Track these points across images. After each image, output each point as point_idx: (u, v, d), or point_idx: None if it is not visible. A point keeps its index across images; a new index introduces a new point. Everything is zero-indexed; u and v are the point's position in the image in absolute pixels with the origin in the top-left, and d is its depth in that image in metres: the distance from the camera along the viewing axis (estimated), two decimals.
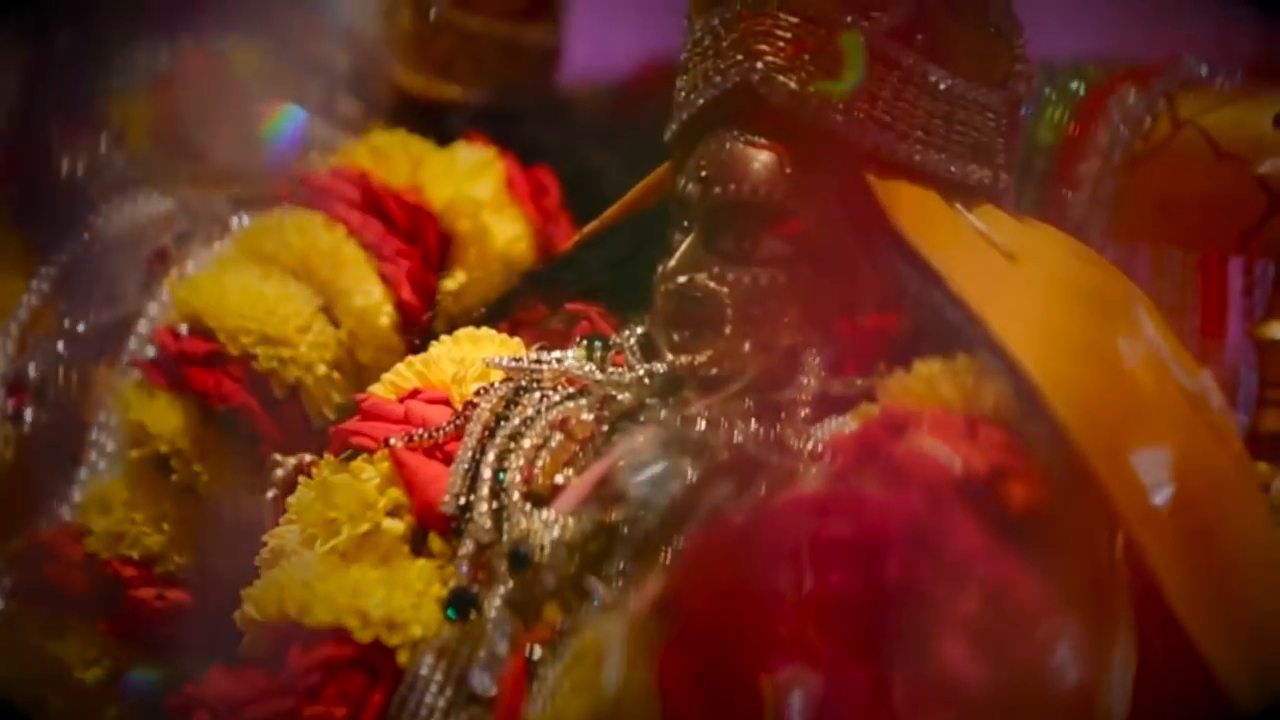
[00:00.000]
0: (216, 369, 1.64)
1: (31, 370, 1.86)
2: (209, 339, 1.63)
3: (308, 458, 1.55)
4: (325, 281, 1.70)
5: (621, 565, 1.28)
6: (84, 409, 1.84)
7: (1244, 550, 1.27)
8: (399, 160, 1.78)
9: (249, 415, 1.61)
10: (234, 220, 1.89)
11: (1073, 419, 1.22)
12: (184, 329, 1.65)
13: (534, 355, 1.47)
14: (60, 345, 1.86)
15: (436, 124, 1.90)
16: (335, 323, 1.71)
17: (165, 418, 1.61)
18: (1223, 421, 1.31)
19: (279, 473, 1.54)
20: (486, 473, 1.36)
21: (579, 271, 1.55)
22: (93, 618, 1.65)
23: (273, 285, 1.69)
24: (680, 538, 1.27)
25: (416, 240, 1.75)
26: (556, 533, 1.29)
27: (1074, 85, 1.80)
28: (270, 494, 1.53)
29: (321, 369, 1.65)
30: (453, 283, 1.78)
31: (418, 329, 1.75)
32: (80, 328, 1.87)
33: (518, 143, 1.88)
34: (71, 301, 1.88)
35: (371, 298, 1.70)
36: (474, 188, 1.78)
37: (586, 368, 1.43)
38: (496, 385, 1.44)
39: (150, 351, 1.69)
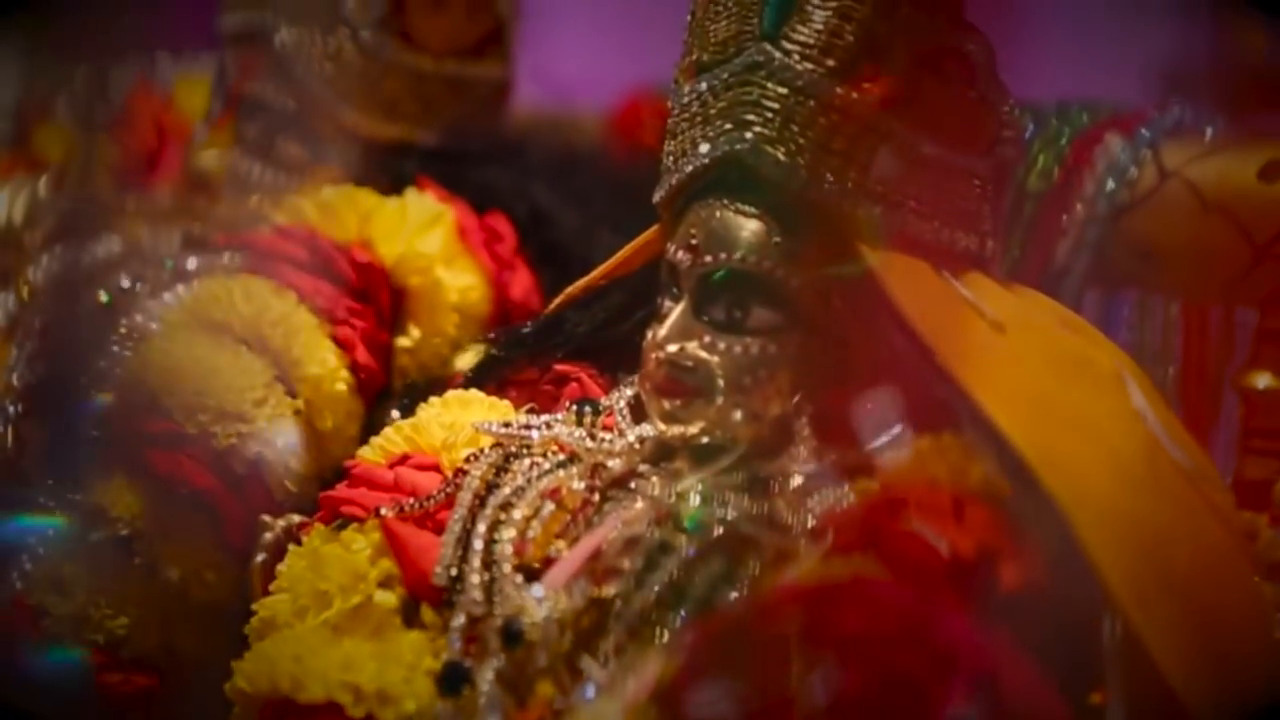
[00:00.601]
0: (174, 449, 1.60)
1: None
2: (165, 417, 1.59)
3: (296, 519, 1.55)
4: (278, 351, 1.73)
5: (615, 643, 1.28)
6: (27, 467, 1.80)
7: (1241, 628, 1.27)
8: (347, 216, 1.81)
9: (210, 496, 1.58)
10: (183, 263, 1.85)
11: (1063, 494, 1.26)
12: (135, 404, 1.62)
13: (523, 420, 1.49)
14: (7, 403, 1.81)
15: (386, 165, 1.91)
16: (291, 392, 1.66)
17: (125, 500, 1.61)
18: (1221, 496, 1.32)
19: (267, 536, 1.56)
20: (478, 544, 1.40)
21: (567, 332, 1.55)
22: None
23: (225, 357, 1.73)
24: (674, 617, 1.27)
25: (369, 299, 1.78)
26: (548, 610, 1.30)
27: (1061, 132, 1.81)
28: (259, 558, 1.53)
29: (281, 441, 1.64)
30: (408, 340, 1.81)
31: (376, 389, 1.73)
32: (26, 382, 1.82)
33: (470, 183, 1.87)
34: (18, 355, 1.84)
35: (327, 365, 1.73)
36: (424, 242, 1.81)
37: (576, 434, 1.44)
38: (486, 451, 1.48)
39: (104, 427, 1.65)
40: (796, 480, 1.41)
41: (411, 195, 1.88)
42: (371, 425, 1.80)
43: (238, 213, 1.96)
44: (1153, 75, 1.91)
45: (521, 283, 1.90)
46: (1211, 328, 1.85)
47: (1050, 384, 1.38)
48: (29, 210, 2.14)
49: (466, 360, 1.82)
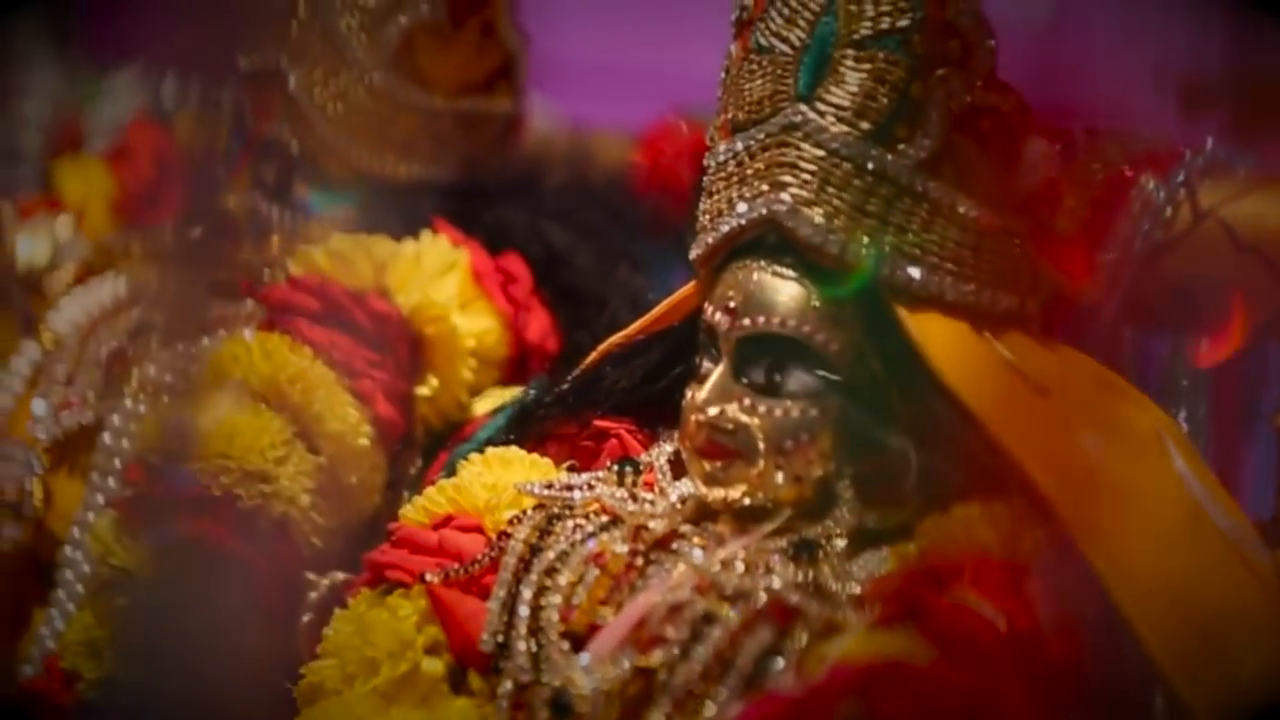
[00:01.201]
0: (199, 512, 1.63)
1: (6, 483, 1.83)
2: (186, 479, 1.65)
3: (340, 577, 1.56)
4: (298, 408, 1.78)
5: (662, 716, 1.29)
6: (51, 522, 1.81)
7: None
8: (361, 264, 1.85)
9: (238, 557, 1.60)
10: (196, 309, 1.87)
11: (1107, 566, 1.29)
12: (156, 460, 1.64)
13: (565, 480, 1.52)
14: (31, 456, 1.83)
15: (400, 205, 1.94)
16: (313, 448, 1.67)
17: (149, 563, 1.60)
18: (1261, 562, 1.32)
19: (313, 595, 1.56)
20: (524, 611, 1.45)
21: (606, 388, 1.57)
22: None
23: (245, 416, 1.76)
24: (720, 690, 1.27)
25: (386, 349, 1.83)
26: (596, 681, 1.31)
27: (1090, 166, 1.80)
28: (305, 618, 1.54)
29: (305, 499, 1.72)
30: (427, 389, 1.86)
31: (398, 439, 1.74)
32: (46, 435, 1.84)
33: (484, 222, 1.88)
34: (39, 405, 1.86)
35: (348, 421, 1.77)
36: (440, 289, 1.85)
37: (618, 495, 1.46)
38: (529, 513, 1.53)
39: (114, 484, 1.66)
40: (839, 544, 1.42)
41: (426, 240, 1.90)
42: (395, 476, 1.81)
43: (256, 257, 1.96)
44: (1171, 95, 1.90)
45: (538, 324, 1.93)
46: (1245, 366, 1.85)
47: (1093, 450, 1.40)
48: (50, 253, 2.15)
49: (485, 405, 1.86)
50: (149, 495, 1.72)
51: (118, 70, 2.71)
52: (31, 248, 2.20)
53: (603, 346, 1.71)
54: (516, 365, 1.95)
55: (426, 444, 1.86)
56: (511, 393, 1.82)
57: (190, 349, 1.91)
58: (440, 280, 1.89)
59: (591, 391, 1.68)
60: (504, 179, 2.07)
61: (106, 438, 1.92)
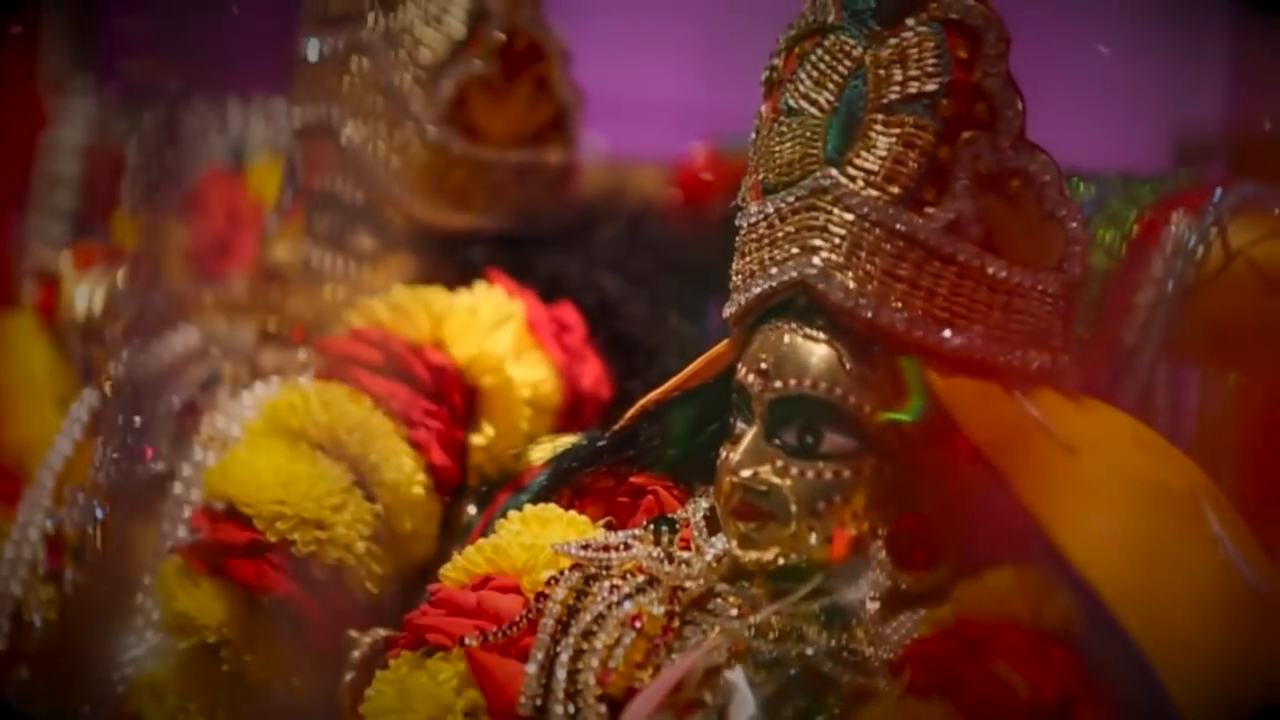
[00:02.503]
0: (257, 558, 1.66)
1: (68, 527, 1.87)
2: (245, 525, 1.66)
3: (382, 634, 1.58)
4: (356, 457, 1.78)
5: None
6: (125, 568, 1.85)
7: None
8: (420, 317, 1.85)
9: (293, 602, 1.62)
10: (261, 359, 1.89)
11: (1143, 634, 1.27)
12: (219, 508, 1.65)
13: (602, 540, 1.49)
14: (95, 503, 1.86)
15: (454, 254, 1.93)
16: (370, 496, 1.70)
17: (210, 609, 1.67)
18: None
19: (355, 654, 1.58)
20: (561, 674, 1.43)
21: (643, 444, 1.56)
22: None
23: (303, 465, 1.76)
24: None
25: (443, 399, 1.83)
26: None
27: (1126, 211, 1.81)
28: (348, 676, 1.56)
29: (361, 546, 1.71)
30: (482, 438, 1.84)
31: (452, 487, 1.76)
32: (113, 481, 1.87)
33: (538, 271, 1.90)
34: (104, 452, 1.90)
35: (404, 470, 1.76)
36: (495, 341, 1.84)
37: (655, 554, 1.46)
38: (566, 573, 1.52)
39: (184, 531, 1.69)
40: (873, 607, 1.43)
41: (481, 292, 1.91)
42: (449, 523, 1.83)
43: (311, 305, 1.99)
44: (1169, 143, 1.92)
45: (591, 372, 1.93)
46: (1276, 403, 1.85)
47: (1126, 513, 1.39)
48: (108, 302, 2.18)
49: (540, 454, 1.85)
50: (210, 541, 1.76)
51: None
52: (89, 296, 2.24)
53: (640, 403, 1.72)
54: (570, 414, 1.92)
55: (482, 492, 1.90)
56: (566, 440, 1.85)
57: (253, 398, 1.95)
58: (496, 332, 1.88)
59: (628, 447, 1.67)
60: (557, 228, 2.09)
61: (177, 487, 1.92)
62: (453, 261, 1.97)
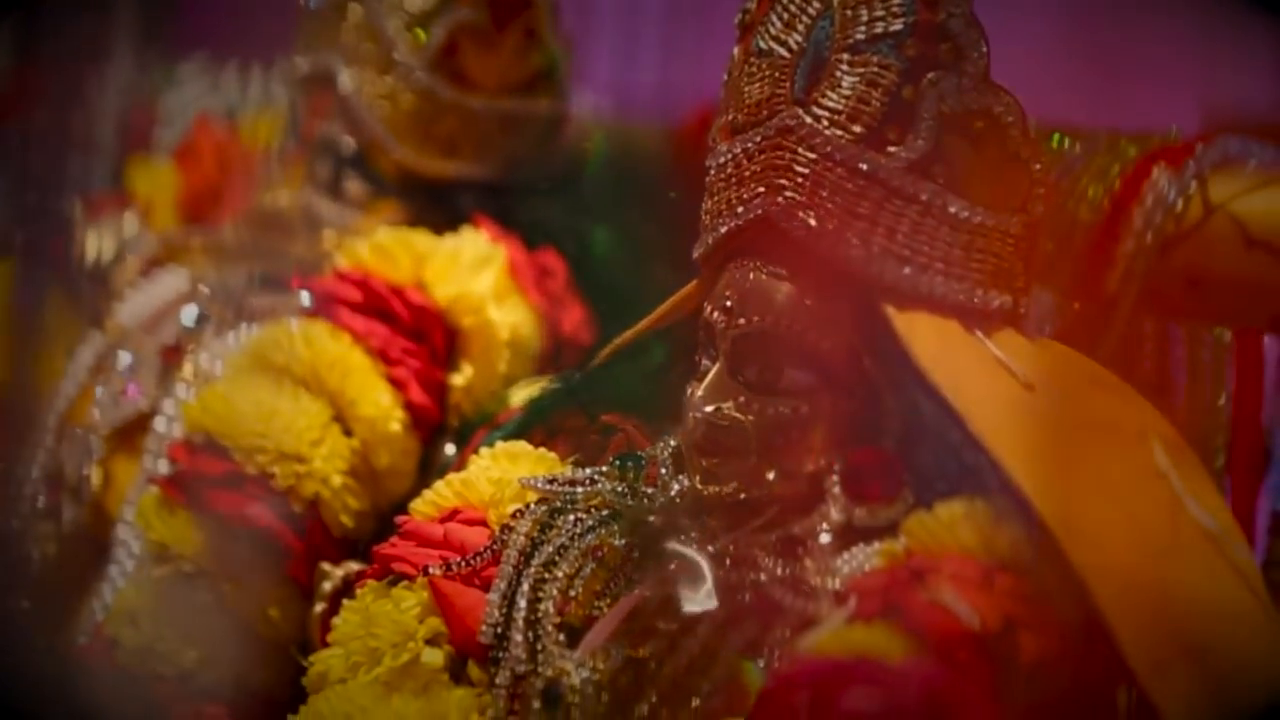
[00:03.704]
0: (235, 489, 1.66)
1: (67, 465, 1.91)
2: (224, 457, 1.68)
3: (355, 568, 1.60)
4: (335, 392, 1.80)
5: (649, 708, 1.32)
6: (109, 503, 1.88)
7: (1264, 693, 1.29)
8: (402, 258, 1.87)
9: (271, 533, 1.64)
10: (250, 301, 1.92)
11: (1083, 562, 1.30)
12: (198, 441, 1.68)
13: (568, 475, 1.52)
14: (91, 441, 1.89)
15: (443, 202, 1.96)
16: (348, 431, 1.72)
17: (187, 537, 1.70)
18: (1244, 562, 1.34)
19: (326, 585, 1.61)
20: (522, 603, 1.43)
21: (614, 383, 1.58)
22: None
23: (284, 399, 1.79)
24: (705, 682, 1.30)
25: (423, 338, 1.85)
26: (586, 673, 1.34)
27: (1110, 164, 1.82)
28: (318, 608, 1.59)
29: (337, 480, 1.74)
30: (461, 378, 1.87)
31: (432, 426, 1.78)
32: (106, 420, 1.90)
33: (523, 219, 1.92)
34: (101, 393, 1.92)
35: (380, 405, 1.78)
36: (477, 282, 1.87)
37: (619, 489, 1.47)
38: (532, 507, 1.53)
39: (165, 465, 1.72)
40: (825, 539, 1.45)
41: (465, 235, 1.93)
42: (428, 461, 1.86)
43: (310, 251, 2.01)
44: (1199, 110, 1.92)
45: (572, 318, 1.95)
46: (1266, 356, 1.86)
47: (1075, 447, 1.41)
48: (117, 247, 2.22)
49: (520, 396, 1.88)
50: (189, 473, 1.79)
51: (188, 62, 2.79)
52: (99, 243, 2.28)
53: (613, 343, 1.75)
54: (551, 358, 1.96)
55: (460, 431, 1.92)
56: (545, 383, 1.87)
57: (238, 337, 1.99)
58: (477, 274, 1.91)
59: (600, 387, 1.70)
60: (544, 178, 2.12)
61: (159, 423, 1.96)
62: (441, 209, 2.00)
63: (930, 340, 1.45)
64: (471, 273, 1.90)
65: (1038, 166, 1.52)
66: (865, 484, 1.47)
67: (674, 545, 1.48)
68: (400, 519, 1.61)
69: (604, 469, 1.58)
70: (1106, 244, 1.86)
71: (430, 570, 1.52)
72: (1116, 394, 1.50)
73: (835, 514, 1.47)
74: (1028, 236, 1.52)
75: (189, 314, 2.03)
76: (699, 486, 1.50)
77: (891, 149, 1.47)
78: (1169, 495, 1.40)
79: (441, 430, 1.88)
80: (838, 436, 1.48)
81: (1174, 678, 1.30)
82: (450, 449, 1.86)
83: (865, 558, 1.44)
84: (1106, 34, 1.90)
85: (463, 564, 1.53)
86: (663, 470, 1.57)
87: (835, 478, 1.48)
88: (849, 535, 1.46)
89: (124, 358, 2.03)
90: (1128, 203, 1.86)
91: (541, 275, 1.96)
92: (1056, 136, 1.93)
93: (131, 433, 1.98)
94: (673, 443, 1.59)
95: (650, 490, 1.55)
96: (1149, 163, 1.87)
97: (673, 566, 1.46)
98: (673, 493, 1.53)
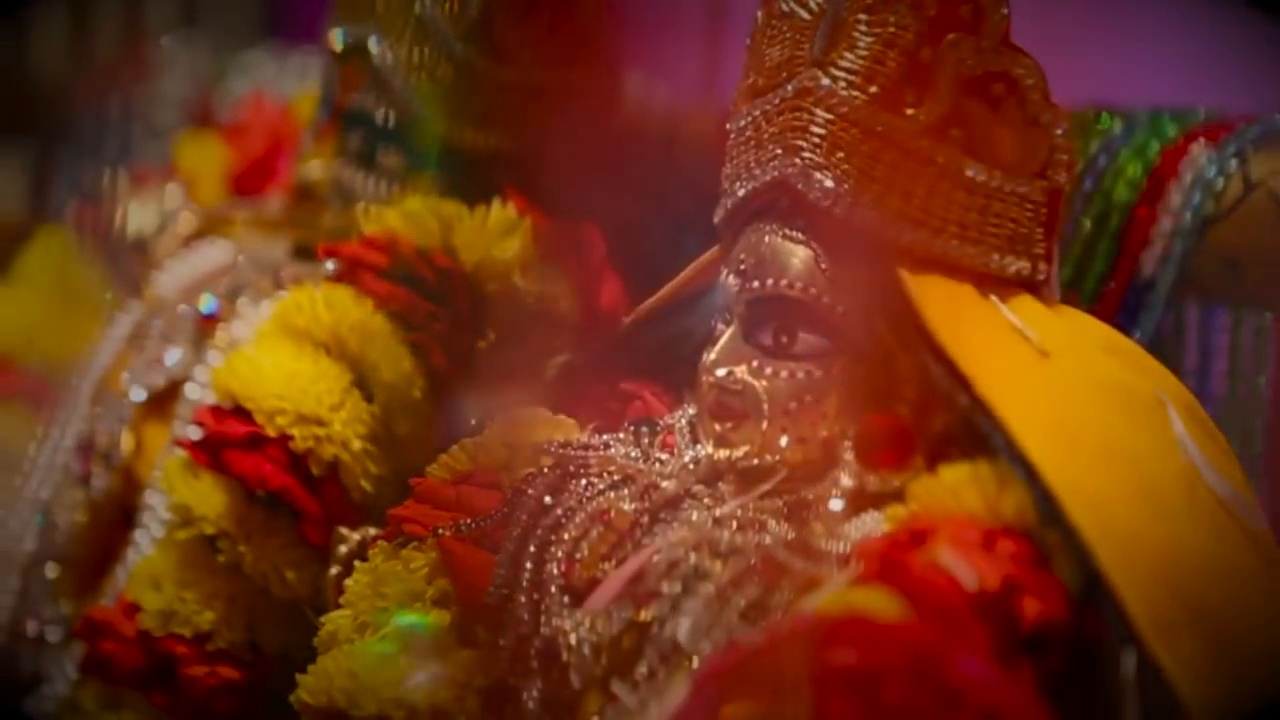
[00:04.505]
0: (255, 451, 1.71)
1: (100, 433, 1.92)
2: (246, 419, 1.68)
3: (372, 532, 1.61)
4: (356, 356, 1.80)
5: (648, 668, 1.32)
6: (140, 470, 1.89)
7: (1275, 662, 1.27)
8: (429, 224, 1.88)
9: (289, 496, 1.65)
10: (284, 271, 1.93)
11: (1088, 525, 1.29)
12: (225, 405, 1.69)
13: (582, 440, 1.51)
14: (124, 407, 1.91)
15: (477, 175, 1.95)
16: (369, 396, 1.73)
17: (209, 500, 1.70)
18: (1259, 530, 1.32)
19: (342, 549, 1.62)
20: (529, 565, 1.40)
21: (634, 350, 1.58)
22: (147, 693, 1.75)
23: (306, 363, 1.79)
24: (706, 644, 1.30)
25: (447, 303, 1.84)
26: (583, 633, 1.33)
27: (1149, 142, 1.80)
28: (333, 570, 1.59)
29: (357, 444, 1.74)
30: (485, 343, 1.81)
31: (455, 393, 1.78)
32: (140, 389, 1.91)
33: (558, 192, 1.90)
34: (136, 361, 1.94)
35: (401, 371, 1.79)
36: (502, 248, 1.83)
37: (632, 454, 1.46)
38: (544, 471, 1.50)
39: (193, 430, 1.73)
40: (836, 505, 1.43)
41: (495, 205, 1.93)
42: (450, 428, 1.85)
43: (342, 223, 2.01)
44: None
45: (610, 291, 1.94)
46: None
47: (1086, 412, 1.39)
48: (159, 219, 2.24)
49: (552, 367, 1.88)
50: (211, 435, 1.79)
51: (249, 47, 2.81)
52: (141, 214, 2.30)
53: (635, 311, 1.74)
54: (586, 330, 1.98)
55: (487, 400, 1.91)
56: None
57: (268, 304, 1.99)
58: (504, 241, 1.90)
59: (621, 355, 1.71)
60: (581, 151, 2.11)
61: (191, 390, 1.97)
62: (475, 181, 1.99)
63: (942, 303, 1.44)
64: (498, 240, 1.89)
65: (1059, 132, 1.50)
66: (878, 451, 1.46)
67: (683, 509, 1.48)
68: (414, 480, 1.61)
69: (620, 435, 1.58)
70: (1144, 224, 1.84)
71: (439, 531, 1.52)
72: (1131, 360, 1.48)
73: (847, 480, 1.45)
74: (1048, 202, 1.50)
75: (227, 284, 2.04)
76: (711, 451, 1.50)
77: (909, 111, 1.46)
78: (1183, 461, 1.38)
79: (465, 399, 1.87)
80: (852, 402, 1.47)
81: (1181, 642, 1.29)
82: (472, 421, 1.86)
83: (875, 523, 1.42)
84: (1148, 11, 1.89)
85: (472, 525, 1.53)
86: (679, 438, 1.56)
87: (848, 444, 1.47)
88: (860, 501, 1.45)
89: (160, 326, 2.04)
90: (1166, 181, 1.84)
91: (575, 246, 1.95)
92: (1103, 115, 1.91)
93: (165, 401, 1.99)
94: (691, 410, 1.58)
95: (664, 456, 1.54)
96: (1189, 140, 1.85)
97: (682, 531, 1.45)
98: (686, 459, 1.52)
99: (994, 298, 1.47)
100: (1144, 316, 1.83)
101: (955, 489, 1.37)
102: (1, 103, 2.79)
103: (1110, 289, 1.85)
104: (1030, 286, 1.50)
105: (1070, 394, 1.41)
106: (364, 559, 1.60)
